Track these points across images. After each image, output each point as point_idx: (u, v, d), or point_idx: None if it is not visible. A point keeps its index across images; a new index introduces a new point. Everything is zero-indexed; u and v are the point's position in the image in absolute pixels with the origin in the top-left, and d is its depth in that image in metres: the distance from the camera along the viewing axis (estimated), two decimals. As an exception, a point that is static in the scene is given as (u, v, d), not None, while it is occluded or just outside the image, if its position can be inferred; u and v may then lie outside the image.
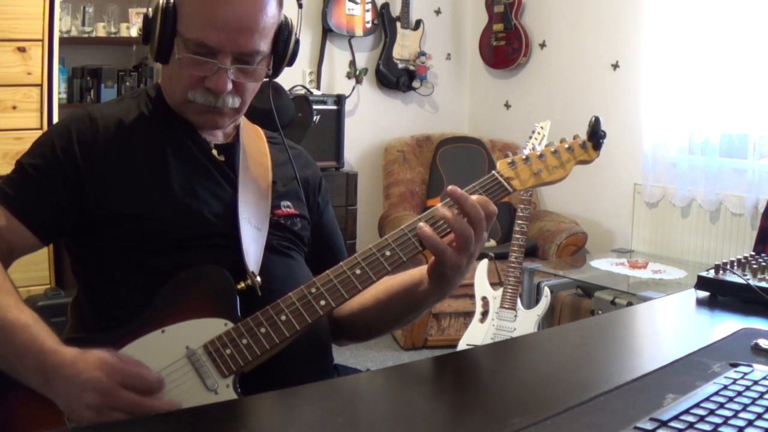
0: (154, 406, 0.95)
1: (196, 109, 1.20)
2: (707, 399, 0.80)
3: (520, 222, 3.04)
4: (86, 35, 3.68)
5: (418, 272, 1.18)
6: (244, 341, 1.03)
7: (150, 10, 1.16)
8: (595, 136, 1.18)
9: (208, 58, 1.14)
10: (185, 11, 1.14)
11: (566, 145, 1.19)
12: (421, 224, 1.07)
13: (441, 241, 1.06)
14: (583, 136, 1.20)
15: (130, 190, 1.15)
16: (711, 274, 1.36)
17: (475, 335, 3.05)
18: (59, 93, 3.35)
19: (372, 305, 1.24)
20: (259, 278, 1.13)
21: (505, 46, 4.48)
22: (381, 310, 1.24)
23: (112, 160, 1.16)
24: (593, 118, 1.19)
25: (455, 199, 1.06)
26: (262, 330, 1.04)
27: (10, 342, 0.99)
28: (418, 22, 4.54)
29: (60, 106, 3.27)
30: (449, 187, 1.07)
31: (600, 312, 3.12)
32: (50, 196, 1.14)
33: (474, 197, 1.07)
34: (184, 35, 1.14)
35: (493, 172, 1.16)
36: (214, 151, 1.24)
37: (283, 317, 1.04)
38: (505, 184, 1.14)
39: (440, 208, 1.08)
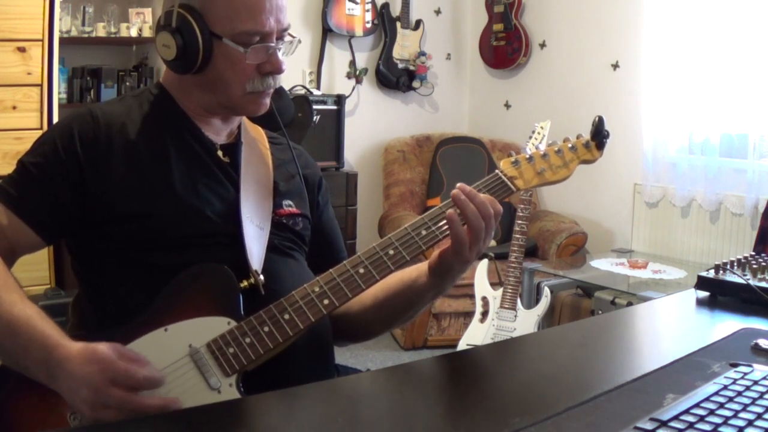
0: (144, 404, 0.93)
1: (253, 98, 1.21)
2: (707, 399, 0.80)
3: (520, 222, 3.04)
4: (86, 35, 3.68)
5: (415, 269, 1.19)
6: (248, 340, 1.03)
7: (166, 32, 1.17)
8: (599, 135, 1.19)
9: (261, 43, 1.17)
10: (220, 11, 1.15)
11: (569, 145, 1.19)
12: (450, 210, 1.08)
13: (464, 229, 1.07)
14: (587, 136, 1.20)
15: (133, 188, 1.15)
16: (711, 274, 1.36)
17: (475, 335, 3.05)
18: (59, 93, 3.35)
19: (371, 304, 1.25)
20: (262, 277, 1.13)
21: (505, 46, 4.48)
22: (380, 309, 1.24)
23: (114, 159, 1.16)
24: (597, 118, 1.19)
25: (465, 195, 1.07)
26: (266, 329, 1.04)
27: (16, 336, 0.99)
28: (418, 22, 4.54)
29: (60, 106, 3.27)
30: (458, 185, 1.09)
31: (600, 312, 3.12)
32: (52, 195, 1.14)
33: (485, 199, 1.08)
34: (231, 31, 1.15)
35: (497, 171, 1.16)
36: (220, 153, 1.24)
37: (287, 316, 1.04)
38: (509, 183, 1.15)
39: (449, 206, 1.09)
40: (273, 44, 1.18)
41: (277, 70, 1.20)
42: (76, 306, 1.29)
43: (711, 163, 3.52)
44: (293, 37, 1.23)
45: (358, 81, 4.43)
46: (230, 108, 1.24)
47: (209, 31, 1.16)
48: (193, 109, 1.25)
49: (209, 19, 1.15)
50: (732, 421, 0.75)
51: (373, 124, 4.50)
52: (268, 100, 1.25)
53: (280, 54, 1.20)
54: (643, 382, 0.91)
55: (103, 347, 0.95)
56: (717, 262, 1.38)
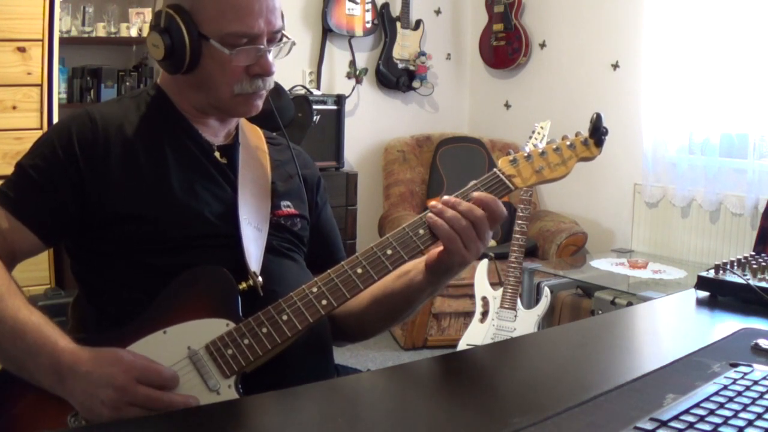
0: (173, 401, 0.96)
1: (243, 100, 1.21)
2: (707, 399, 0.80)
3: (520, 222, 3.04)
4: (86, 35, 3.68)
5: (412, 266, 1.19)
6: (246, 341, 1.03)
7: (156, 32, 1.17)
8: (597, 132, 1.18)
9: (250, 45, 1.16)
10: (208, 12, 1.15)
11: (568, 142, 1.19)
12: (429, 215, 1.08)
13: (452, 229, 1.07)
14: (585, 133, 1.20)
15: (131, 189, 1.15)
16: (711, 274, 1.36)
17: (475, 335, 3.05)
18: (59, 93, 3.35)
19: (368, 303, 1.25)
20: (260, 278, 1.13)
21: (505, 46, 4.48)
22: (378, 308, 1.24)
23: (113, 160, 1.16)
24: (595, 115, 1.19)
25: (450, 207, 1.08)
26: (264, 330, 1.04)
27: (22, 341, 0.99)
28: (418, 22, 4.54)
29: (60, 106, 3.27)
30: (443, 198, 1.09)
31: (600, 312, 3.12)
32: (51, 197, 1.14)
33: (480, 197, 1.09)
34: (219, 33, 1.15)
35: (495, 169, 1.16)
36: (217, 154, 1.24)
37: (285, 317, 1.04)
38: (507, 181, 1.15)
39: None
40: (262, 46, 1.17)
41: (266, 72, 1.19)
42: (75, 307, 1.29)
43: (711, 163, 3.52)
44: (288, 38, 1.23)
45: (358, 81, 4.43)
46: (221, 109, 1.24)
47: (197, 32, 1.15)
48: (189, 110, 1.24)
49: (198, 19, 1.15)
50: (732, 421, 0.75)
51: (373, 124, 4.50)
52: (259, 102, 1.24)
53: (270, 56, 1.20)
54: (643, 382, 0.91)
55: (117, 350, 0.98)
56: (717, 262, 1.38)
